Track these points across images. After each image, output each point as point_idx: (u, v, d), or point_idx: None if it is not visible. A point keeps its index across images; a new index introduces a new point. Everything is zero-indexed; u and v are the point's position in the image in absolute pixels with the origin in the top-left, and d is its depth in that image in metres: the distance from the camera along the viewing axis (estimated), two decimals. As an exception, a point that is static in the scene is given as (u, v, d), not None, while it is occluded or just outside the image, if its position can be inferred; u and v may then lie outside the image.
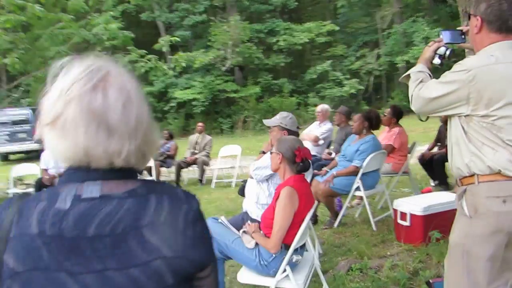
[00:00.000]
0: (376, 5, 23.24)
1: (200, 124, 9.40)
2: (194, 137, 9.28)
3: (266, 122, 3.62)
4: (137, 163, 0.91)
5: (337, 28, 22.53)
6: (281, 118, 3.54)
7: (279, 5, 23.86)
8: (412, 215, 3.73)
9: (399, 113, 5.35)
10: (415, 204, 3.78)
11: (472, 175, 1.81)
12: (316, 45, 23.71)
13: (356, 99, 21.80)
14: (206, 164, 8.70)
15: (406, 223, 3.78)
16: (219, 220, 2.87)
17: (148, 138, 0.92)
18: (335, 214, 4.58)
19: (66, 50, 8.12)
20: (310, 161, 2.71)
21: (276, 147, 2.72)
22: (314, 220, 4.70)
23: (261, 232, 2.58)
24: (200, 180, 8.55)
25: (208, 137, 9.20)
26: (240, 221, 3.20)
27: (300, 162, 2.63)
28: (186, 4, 23.07)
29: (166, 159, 9.13)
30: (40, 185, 6.94)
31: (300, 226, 2.44)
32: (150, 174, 8.61)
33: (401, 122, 5.45)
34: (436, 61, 2.07)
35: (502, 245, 1.76)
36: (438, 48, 2.05)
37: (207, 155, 8.87)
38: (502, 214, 1.73)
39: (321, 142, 6.63)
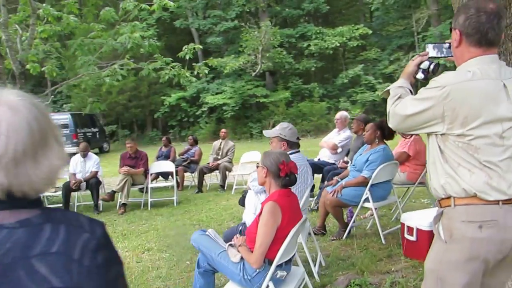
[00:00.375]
0: (413, 7, 22.70)
1: (223, 130, 9.48)
2: (217, 143, 9.36)
3: (266, 133, 3.59)
4: (30, 192, 0.90)
5: (370, 31, 22.19)
6: (280, 129, 3.51)
7: (311, 9, 23.74)
8: (418, 230, 3.60)
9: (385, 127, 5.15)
10: (423, 218, 3.64)
11: (448, 197, 1.71)
12: (349, 49, 23.43)
13: (389, 103, 21.31)
14: (228, 170, 8.75)
15: (413, 238, 3.65)
16: (207, 233, 2.85)
17: (32, 169, 0.90)
18: (344, 225, 4.48)
19: (95, 59, 8.38)
20: (295, 175, 2.65)
21: (262, 160, 2.68)
22: (323, 230, 4.62)
23: (247, 246, 2.55)
24: (222, 186, 8.60)
25: (231, 143, 9.25)
26: (237, 232, 3.19)
27: (284, 176, 2.57)
28: (219, 11, 23.34)
29: (190, 164, 9.27)
30: (67, 188, 7.21)
31: (283, 241, 2.39)
32: (175, 179, 8.75)
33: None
34: (420, 75, 1.97)
35: (479, 273, 1.65)
36: (422, 62, 1.95)
37: (230, 161, 8.92)
38: (477, 241, 1.63)
39: (339, 150, 6.52)
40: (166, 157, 9.51)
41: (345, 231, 4.44)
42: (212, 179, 9.23)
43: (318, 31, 22.72)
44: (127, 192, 7.17)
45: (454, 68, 1.94)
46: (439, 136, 1.70)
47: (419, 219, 3.67)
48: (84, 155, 7.42)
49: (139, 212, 7.10)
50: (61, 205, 7.30)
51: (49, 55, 8.99)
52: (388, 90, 1.93)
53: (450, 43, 1.94)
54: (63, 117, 15.98)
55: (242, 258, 2.51)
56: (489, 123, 1.61)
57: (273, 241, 2.43)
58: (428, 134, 1.79)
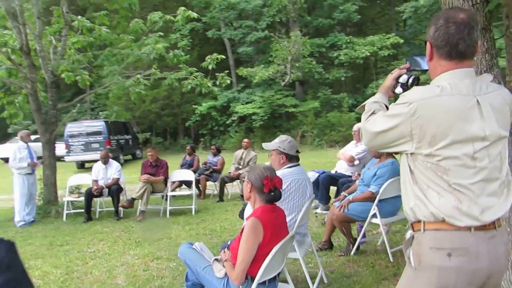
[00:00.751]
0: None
1: (245, 140, 9.52)
2: (239, 153, 9.40)
3: (265, 145, 3.58)
4: None
5: (401, 40, 21.78)
6: (279, 141, 3.49)
7: (342, 19, 23.57)
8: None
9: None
10: None
11: (419, 221, 1.59)
12: (380, 59, 23.08)
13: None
14: (249, 179, 8.75)
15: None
16: (194, 246, 2.85)
17: None
18: (352, 241, 4.39)
19: (121, 69, 8.65)
20: (280, 191, 2.61)
21: (247, 175, 2.66)
22: (329, 245, 4.54)
23: (231, 262, 2.54)
24: (242, 196, 8.61)
25: (253, 153, 9.27)
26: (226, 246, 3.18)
27: (268, 191, 2.53)
28: (250, 21, 23.56)
29: (212, 173, 9.36)
30: (89, 194, 7.43)
31: (265, 258, 2.37)
32: (198, 188, 8.86)
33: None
34: (398, 90, 1.87)
35: None
36: (400, 75, 1.85)
37: (250, 171, 8.92)
38: (445, 270, 1.50)
39: (356, 162, 6.42)
40: (190, 165, 9.64)
41: (353, 246, 4.35)
42: (234, 188, 9.27)
43: (348, 41, 22.51)
44: (146, 199, 7.31)
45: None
46: (409, 155, 1.58)
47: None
48: (105, 162, 7.63)
49: (157, 220, 7.22)
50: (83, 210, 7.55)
51: (82, 65, 9.35)
52: (364, 105, 1.85)
53: None
54: (97, 124, 16.58)
55: (226, 273, 2.50)
56: (458, 143, 1.49)
57: (255, 258, 2.40)
58: (400, 154, 1.68)
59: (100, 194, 7.56)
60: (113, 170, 7.64)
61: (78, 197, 7.73)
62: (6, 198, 10.76)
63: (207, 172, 9.38)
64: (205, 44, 25.19)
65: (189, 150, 10.13)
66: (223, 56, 9.17)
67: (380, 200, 4.09)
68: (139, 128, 23.88)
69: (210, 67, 8.89)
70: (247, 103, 21.96)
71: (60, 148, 17.89)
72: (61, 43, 8.65)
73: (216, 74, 9.38)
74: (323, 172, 6.62)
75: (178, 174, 8.20)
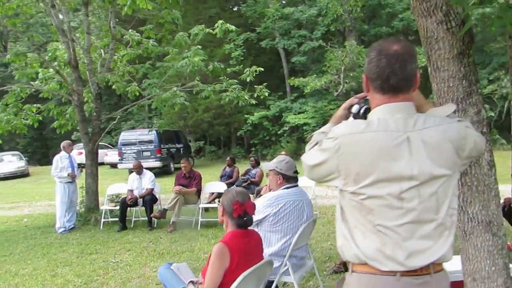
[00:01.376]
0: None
1: (282, 153, 9.36)
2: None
3: (264, 165, 3.48)
4: None
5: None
6: (277, 162, 3.38)
7: (401, 27, 22.73)
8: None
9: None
10: (448, 266, 3.17)
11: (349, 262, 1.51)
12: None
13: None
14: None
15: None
16: (172, 266, 2.85)
17: None
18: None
19: (161, 81, 8.88)
20: (251, 217, 2.55)
21: (221, 198, 2.63)
22: (344, 268, 4.31)
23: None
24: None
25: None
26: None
27: (237, 217, 2.48)
28: (304, 30, 23.41)
29: (250, 185, 9.28)
30: (123, 204, 7.65)
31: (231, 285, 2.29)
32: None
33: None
34: (351, 120, 1.74)
35: None
36: (352, 105, 1.75)
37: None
38: None
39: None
40: (229, 177, 9.65)
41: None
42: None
43: (408, 50, 21.60)
44: (178, 210, 7.38)
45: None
46: (340, 192, 1.51)
47: (446, 267, 3.19)
48: (139, 173, 7.82)
49: (187, 231, 7.25)
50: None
51: (132, 76, 9.75)
52: (313, 135, 1.74)
53: None
54: (148, 133, 17.18)
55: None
56: (383, 182, 1.39)
57: (222, 284, 2.36)
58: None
59: (135, 204, 7.75)
60: (147, 180, 7.81)
61: (115, 206, 7.97)
62: (52, 204, 11.41)
63: (244, 184, 9.31)
64: (261, 54, 25.36)
65: (229, 161, 10.15)
66: (262, 68, 9.14)
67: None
68: (193, 137, 24.45)
69: (248, 79, 8.88)
70: (299, 113, 21.75)
71: (114, 156, 18.99)
72: (108, 56, 9.04)
73: (255, 86, 9.35)
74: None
75: (211, 186, 8.22)
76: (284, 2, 24.85)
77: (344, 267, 4.39)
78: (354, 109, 1.74)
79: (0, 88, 8.54)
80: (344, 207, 1.48)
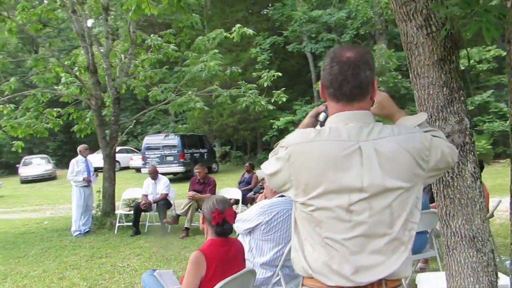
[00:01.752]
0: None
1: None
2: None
3: (258, 173, 3.31)
4: None
5: (504, 53, 19.71)
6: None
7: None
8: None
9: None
10: (439, 282, 2.92)
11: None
12: (478, 73, 21.14)
13: (524, 135, 18.56)
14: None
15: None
16: (155, 273, 2.85)
17: None
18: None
19: (178, 86, 8.86)
20: (231, 225, 2.51)
21: (202, 205, 2.61)
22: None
23: None
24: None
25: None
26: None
27: (216, 225, 2.45)
28: (332, 34, 23.09)
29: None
30: (137, 208, 7.63)
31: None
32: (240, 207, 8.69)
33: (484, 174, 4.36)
34: (318, 128, 1.64)
35: None
36: (319, 113, 1.71)
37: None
38: None
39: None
40: (248, 183, 9.54)
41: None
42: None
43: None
44: (191, 216, 7.29)
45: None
46: (293, 202, 1.47)
47: (435, 283, 2.94)
48: (154, 178, 7.78)
49: (198, 238, 7.14)
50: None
51: (150, 81, 9.79)
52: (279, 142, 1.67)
53: None
54: (172, 138, 17.19)
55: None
56: (331, 193, 1.33)
57: None
58: None
59: (149, 209, 7.71)
60: (162, 185, 7.77)
61: (129, 210, 7.97)
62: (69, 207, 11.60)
63: (262, 191, 9.13)
64: (288, 58, 25.18)
65: (248, 167, 10.05)
66: (280, 74, 8.99)
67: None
68: (219, 142, 24.45)
69: (265, 84, 8.73)
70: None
71: (139, 160, 19.20)
72: (127, 61, 9.11)
73: (273, 91, 9.19)
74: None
75: (225, 192, 8.10)
76: (314, 4, 24.51)
77: None
78: (321, 117, 1.69)
79: (21, 93, 8.72)
80: (297, 219, 1.44)
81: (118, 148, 23.85)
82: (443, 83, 2.18)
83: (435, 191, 2.28)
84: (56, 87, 9.45)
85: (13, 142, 9.08)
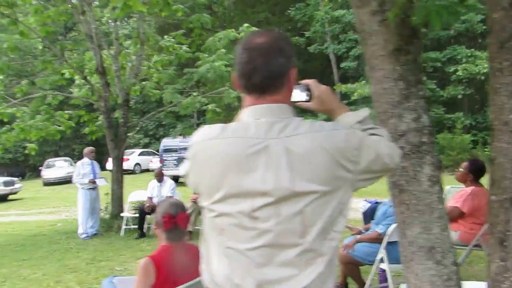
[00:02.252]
0: None
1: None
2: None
3: None
4: None
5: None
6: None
7: (463, 30, 21.28)
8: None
9: (478, 169, 3.96)
10: None
11: None
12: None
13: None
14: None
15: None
16: (113, 280, 2.76)
17: None
18: (362, 285, 3.62)
19: (184, 87, 8.77)
20: (183, 230, 2.39)
21: (156, 209, 2.51)
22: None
23: None
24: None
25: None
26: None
27: (166, 230, 2.32)
28: (355, 34, 22.65)
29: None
30: (141, 211, 7.53)
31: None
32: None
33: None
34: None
35: None
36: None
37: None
38: None
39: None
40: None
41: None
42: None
43: (469, 54, 20.20)
44: (194, 220, 7.13)
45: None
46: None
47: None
48: (159, 180, 7.67)
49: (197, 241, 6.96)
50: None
51: (157, 83, 9.75)
52: None
53: (308, 84, 1.39)
54: (189, 140, 17.30)
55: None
56: (233, 198, 1.16)
57: None
58: None
59: (153, 211, 7.59)
60: (167, 188, 7.64)
61: (135, 213, 7.88)
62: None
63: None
64: (311, 59, 24.86)
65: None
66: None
67: (389, 243, 3.25)
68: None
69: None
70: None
71: (156, 162, 19.24)
72: (136, 62, 9.07)
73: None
74: (376, 203, 5.73)
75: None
76: (338, 2, 24.05)
77: (344, 287, 3.90)
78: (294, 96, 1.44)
79: (32, 96, 8.81)
80: (205, 226, 1.28)
81: (139, 151, 23.98)
82: (398, 76, 1.95)
83: (391, 196, 2.03)
84: (72, 89, 9.49)
85: (36, 144, 9.14)
